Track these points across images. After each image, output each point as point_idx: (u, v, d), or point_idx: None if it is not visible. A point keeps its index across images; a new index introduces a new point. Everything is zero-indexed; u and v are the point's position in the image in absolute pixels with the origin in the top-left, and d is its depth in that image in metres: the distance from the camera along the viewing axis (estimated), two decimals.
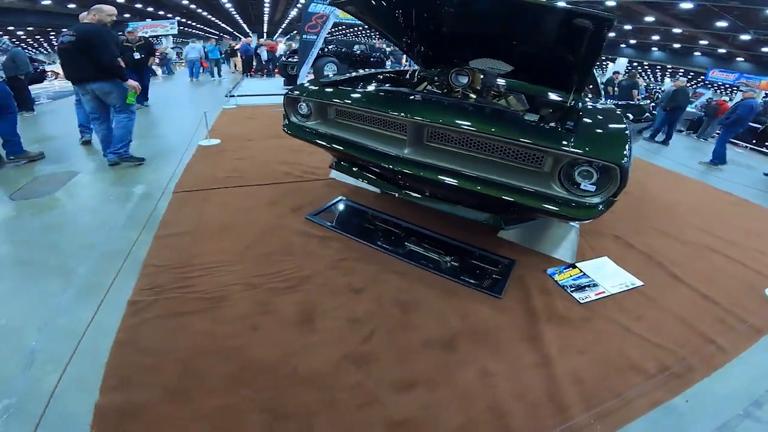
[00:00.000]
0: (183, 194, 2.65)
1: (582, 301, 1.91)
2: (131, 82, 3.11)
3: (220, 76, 11.31)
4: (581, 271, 2.17)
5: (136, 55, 6.05)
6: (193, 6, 25.02)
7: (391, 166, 1.80)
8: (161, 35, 14.83)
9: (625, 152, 1.56)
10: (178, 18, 18.83)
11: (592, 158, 1.52)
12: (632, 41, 22.98)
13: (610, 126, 1.85)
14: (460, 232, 2.35)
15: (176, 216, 2.37)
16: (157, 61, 7.71)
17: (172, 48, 14.93)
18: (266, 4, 25.23)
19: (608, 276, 2.16)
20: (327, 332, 1.59)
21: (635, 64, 25.09)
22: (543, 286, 2.00)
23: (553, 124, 1.78)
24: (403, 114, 1.78)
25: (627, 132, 1.71)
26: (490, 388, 1.40)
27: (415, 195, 1.98)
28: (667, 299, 2.02)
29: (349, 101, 2.01)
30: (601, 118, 1.96)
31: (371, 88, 2.28)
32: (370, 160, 1.88)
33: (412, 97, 2.11)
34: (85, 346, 1.47)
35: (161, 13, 24.04)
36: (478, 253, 2.20)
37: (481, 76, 2.18)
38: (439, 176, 1.74)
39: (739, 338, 1.79)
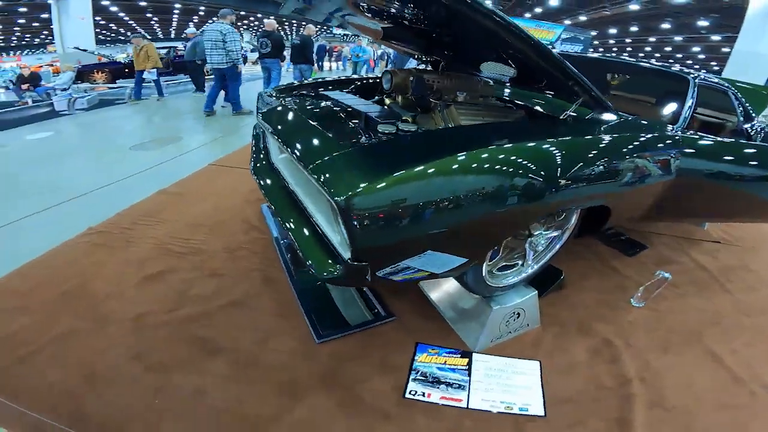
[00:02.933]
0: (214, 167, 3.29)
1: (406, 396, 1.43)
2: (315, 67, 6.88)
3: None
4: (467, 365, 1.58)
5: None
6: None
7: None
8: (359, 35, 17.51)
9: (364, 182, 1.02)
10: None
11: (312, 174, 1.17)
12: None
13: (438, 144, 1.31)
14: None
15: (189, 181, 3.01)
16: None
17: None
18: None
19: (501, 387, 1.49)
20: (150, 293, 1.79)
21: None
22: (389, 357, 1.57)
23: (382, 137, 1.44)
24: (264, 119, 1.76)
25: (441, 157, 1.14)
26: (186, 405, 1.31)
27: None
28: None
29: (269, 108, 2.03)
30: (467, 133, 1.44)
31: (319, 92, 2.27)
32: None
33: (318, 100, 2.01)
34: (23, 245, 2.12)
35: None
36: (367, 293, 1.89)
37: (411, 78, 1.83)
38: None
39: None
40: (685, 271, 2.45)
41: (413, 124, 1.63)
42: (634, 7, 16.01)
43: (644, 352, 1.71)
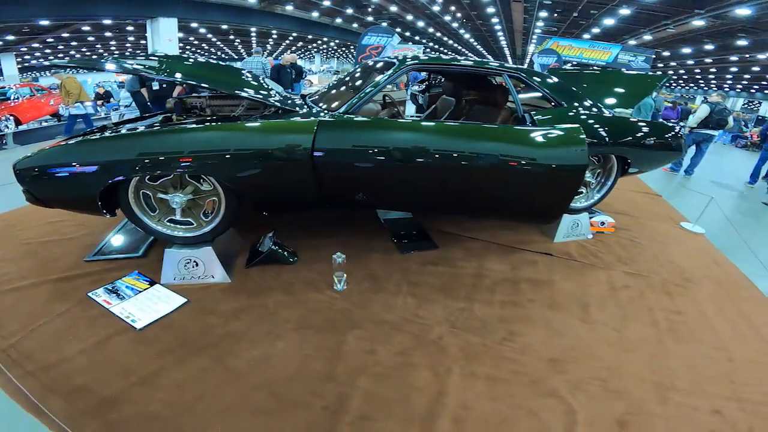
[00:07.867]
0: None
1: (88, 294, 2.16)
2: None
3: None
4: (145, 289, 2.21)
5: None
6: (438, 34, 27.65)
7: None
8: None
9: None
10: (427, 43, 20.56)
11: None
12: None
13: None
14: None
15: None
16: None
17: None
18: (502, 39, 25.85)
19: (142, 304, 2.09)
20: (40, 230, 2.98)
21: None
22: (109, 276, 2.32)
23: None
24: None
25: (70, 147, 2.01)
26: None
27: None
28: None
29: None
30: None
31: None
32: None
33: None
34: None
35: (417, 38, 27.90)
36: None
37: (174, 102, 2.62)
38: None
39: None
40: (445, 273, 2.49)
41: None
42: (697, 23, 13.27)
43: (259, 326, 2.03)
